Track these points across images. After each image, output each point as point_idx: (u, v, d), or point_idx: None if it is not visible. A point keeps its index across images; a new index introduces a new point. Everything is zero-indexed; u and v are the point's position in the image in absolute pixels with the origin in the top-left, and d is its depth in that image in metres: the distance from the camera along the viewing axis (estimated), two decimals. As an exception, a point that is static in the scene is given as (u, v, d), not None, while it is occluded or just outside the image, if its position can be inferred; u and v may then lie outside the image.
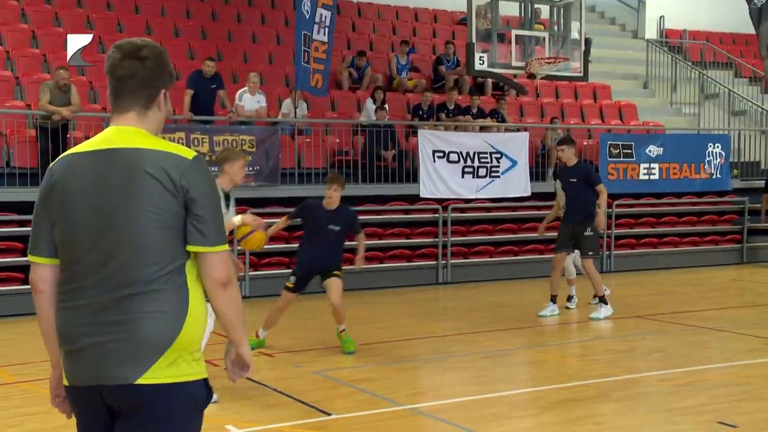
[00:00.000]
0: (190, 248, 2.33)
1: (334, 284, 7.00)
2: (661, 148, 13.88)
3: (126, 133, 2.37)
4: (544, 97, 15.69)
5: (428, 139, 12.13)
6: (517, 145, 12.71)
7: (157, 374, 2.25)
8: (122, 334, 2.26)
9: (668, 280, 12.27)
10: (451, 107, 13.45)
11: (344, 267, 7.38)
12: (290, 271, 7.37)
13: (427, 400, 5.85)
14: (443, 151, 12.17)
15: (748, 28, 16.71)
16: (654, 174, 13.81)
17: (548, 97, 15.79)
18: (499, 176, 12.51)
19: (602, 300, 8.92)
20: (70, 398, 2.41)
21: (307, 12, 11.66)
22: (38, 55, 12.29)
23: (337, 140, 12.32)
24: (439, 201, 12.08)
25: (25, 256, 2.52)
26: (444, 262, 11.93)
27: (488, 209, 12.59)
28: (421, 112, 13.06)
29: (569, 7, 12.32)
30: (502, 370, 6.88)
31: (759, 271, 13.28)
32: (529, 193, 12.64)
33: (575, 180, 8.75)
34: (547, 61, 11.79)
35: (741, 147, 15.48)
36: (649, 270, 13.17)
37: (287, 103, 12.26)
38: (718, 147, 14.35)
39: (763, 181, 14.57)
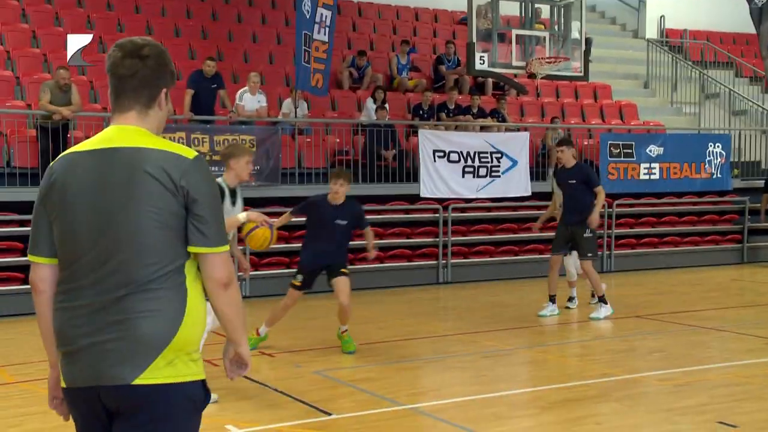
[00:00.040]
0: (191, 249, 2.32)
1: (343, 283, 6.97)
2: (662, 148, 13.88)
3: (127, 132, 2.36)
4: (544, 96, 15.69)
5: (429, 139, 12.13)
6: (517, 144, 12.71)
7: (155, 375, 2.24)
8: (120, 333, 2.25)
9: (668, 279, 12.27)
10: (452, 107, 13.45)
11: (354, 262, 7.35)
12: (295, 269, 7.32)
13: (427, 399, 5.85)
14: (444, 151, 12.17)
15: (749, 28, 16.70)
16: (654, 174, 13.81)
17: (549, 96, 15.79)
18: (499, 176, 12.51)
19: (602, 300, 8.92)
20: (68, 400, 2.40)
21: (308, 12, 11.66)
22: (39, 54, 12.30)
23: (338, 140, 12.32)
24: (440, 201, 12.08)
25: (26, 256, 2.51)
26: (444, 261, 11.93)
27: (489, 209, 12.59)
28: (421, 112, 13.06)
29: (570, 7, 12.32)
30: (502, 370, 6.88)
31: (759, 271, 13.28)
32: (529, 193, 12.64)
33: (574, 181, 8.75)
34: (547, 60, 11.80)
35: (741, 147, 15.47)
36: (649, 270, 13.17)
37: (288, 103, 12.26)
38: (718, 147, 14.35)
39: (763, 181, 14.56)
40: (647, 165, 13.74)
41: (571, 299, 9.55)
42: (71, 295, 2.32)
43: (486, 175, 12.45)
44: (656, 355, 7.28)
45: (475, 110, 13.46)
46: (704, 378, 6.40)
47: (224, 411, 5.39)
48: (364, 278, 10.56)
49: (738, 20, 18.36)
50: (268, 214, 9.26)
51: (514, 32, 12.05)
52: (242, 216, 5.62)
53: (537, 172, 12.98)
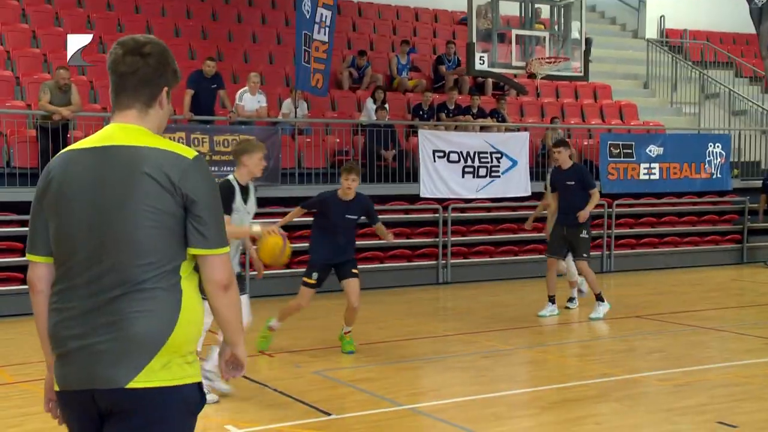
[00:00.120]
0: (191, 250, 2.30)
1: (354, 285, 6.97)
2: (662, 148, 13.88)
3: (126, 131, 2.34)
4: (544, 96, 15.69)
5: (428, 139, 12.13)
6: (517, 144, 12.71)
7: (150, 377, 2.21)
8: (114, 334, 2.21)
9: (668, 280, 12.27)
10: (452, 107, 13.46)
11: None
12: (304, 268, 7.26)
13: (427, 400, 5.85)
14: (443, 151, 12.17)
15: (749, 28, 16.70)
16: (654, 174, 13.81)
17: (548, 96, 15.79)
18: (499, 176, 12.52)
19: (599, 298, 8.91)
20: (61, 403, 2.37)
21: (308, 12, 11.67)
22: (38, 54, 12.30)
23: (338, 140, 12.32)
24: (440, 201, 12.09)
25: (25, 256, 2.51)
26: (444, 261, 11.93)
27: (488, 209, 12.60)
28: (421, 112, 13.06)
29: (569, 7, 12.32)
30: (502, 370, 6.88)
31: (759, 271, 13.28)
32: (529, 193, 12.64)
33: (572, 183, 8.74)
34: (547, 60, 11.80)
35: (741, 147, 15.47)
36: (649, 270, 13.17)
37: (287, 103, 12.26)
38: (718, 147, 14.35)
39: (761, 181, 14.55)
40: (647, 165, 13.74)
41: (571, 299, 9.55)
42: (65, 296, 2.29)
43: (486, 176, 12.45)
44: (656, 355, 7.28)
45: (474, 110, 13.46)
46: (704, 378, 6.40)
47: (224, 411, 5.39)
48: (364, 278, 10.43)
49: (738, 20, 18.37)
50: (268, 215, 9.31)
51: (514, 32, 12.05)
52: (256, 228, 5.46)
53: (537, 172, 12.98)
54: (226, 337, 2.50)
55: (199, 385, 2.35)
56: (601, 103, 15.96)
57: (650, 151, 13.78)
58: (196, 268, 2.35)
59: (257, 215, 6.13)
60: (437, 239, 11.93)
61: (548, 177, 9.63)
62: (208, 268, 2.32)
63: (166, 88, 2.41)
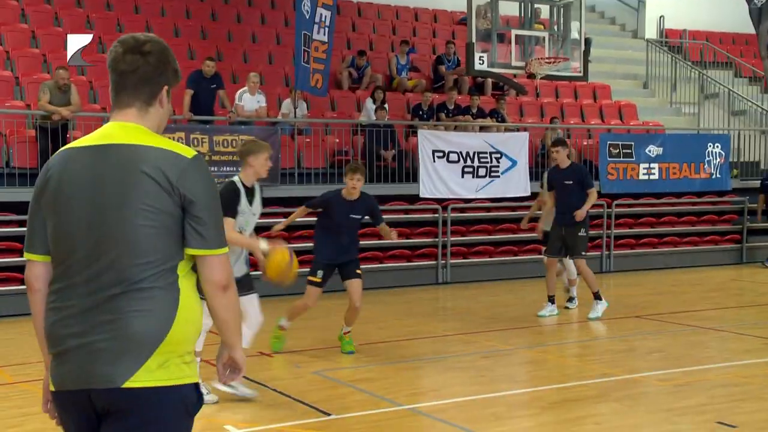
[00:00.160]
0: (189, 251, 2.28)
1: (357, 285, 6.97)
2: (661, 148, 13.88)
3: (126, 130, 2.32)
4: (543, 96, 15.69)
5: (428, 139, 12.13)
6: (516, 144, 12.71)
7: (147, 377, 2.20)
8: (111, 333, 2.20)
9: (668, 280, 12.27)
10: (451, 107, 13.46)
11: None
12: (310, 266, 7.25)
13: (426, 400, 5.85)
14: (443, 151, 12.17)
15: (748, 28, 16.72)
16: (654, 174, 13.82)
17: (548, 96, 15.79)
18: (498, 176, 12.52)
19: (597, 297, 8.90)
20: (57, 404, 2.34)
21: (307, 12, 11.67)
22: (38, 55, 12.30)
23: (337, 140, 12.32)
24: (439, 201, 12.09)
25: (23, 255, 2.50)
26: (444, 262, 11.94)
27: (488, 209, 12.60)
28: (421, 112, 13.07)
29: (569, 7, 12.32)
30: (502, 370, 6.88)
31: (758, 271, 13.28)
32: (528, 193, 12.64)
33: (570, 182, 8.74)
34: (546, 60, 11.80)
35: (741, 147, 15.48)
36: (648, 270, 13.18)
37: (287, 103, 12.26)
38: (717, 147, 14.36)
39: (760, 181, 14.55)
40: (646, 165, 13.74)
41: (570, 299, 9.56)
42: (63, 295, 2.28)
43: (485, 176, 12.45)
44: (656, 355, 7.28)
45: (474, 110, 13.47)
46: (704, 378, 6.40)
47: (223, 411, 5.39)
48: (363, 278, 10.53)
49: (737, 20, 18.38)
50: (267, 215, 9.30)
51: (514, 32, 12.05)
52: (264, 246, 5.34)
53: (536, 173, 12.98)
54: (224, 339, 2.47)
55: (197, 385, 2.34)
56: (601, 103, 15.97)
57: (650, 151, 13.78)
58: (194, 268, 2.34)
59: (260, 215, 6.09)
60: (437, 239, 11.93)
61: (544, 176, 9.65)
62: (207, 269, 2.30)
63: (166, 87, 2.39)
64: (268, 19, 15.27)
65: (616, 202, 13.26)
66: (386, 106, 12.67)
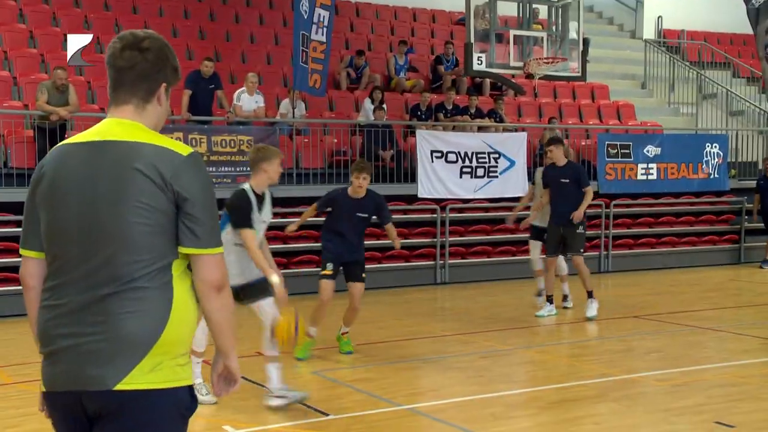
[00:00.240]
0: (183, 250, 2.24)
1: (359, 288, 6.96)
2: (659, 148, 13.89)
3: (122, 126, 2.30)
4: (542, 97, 15.70)
5: (426, 140, 12.13)
6: (515, 145, 12.71)
7: (139, 379, 2.16)
8: (104, 334, 2.17)
9: (666, 280, 12.28)
10: (450, 107, 13.46)
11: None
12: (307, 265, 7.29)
13: (425, 400, 5.85)
14: (441, 151, 12.18)
15: (746, 29, 16.72)
16: (652, 174, 13.83)
17: (546, 97, 15.80)
18: (497, 176, 12.52)
19: (590, 295, 8.90)
20: (48, 404, 2.31)
21: (306, 12, 11.66)
22: (36, 55, 12.29)
23: (335, 140, 12.31)
24: (438, 201, 12.09)
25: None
26: (442, 262, 11.94)
27: (486, 209, 12.59)
28: (419, 113, 13.07)
29: (567, 7, 12.32)
30: (500, 370, 6.88)
31: (756, 272, 13.30)
32: (527, 193, 12.62)
33: (567, 180, 8.74)
34: (545, 61, 11.80)
35: (739, 147, 15.48)
36: (646, 270, 13.19)
37: (285, 103, 12.26)
38: (715, 147, 14.36)
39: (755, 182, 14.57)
40: (645, 165, 13.75)
41: (565, 297, 9.53)
42: (56, 293, 2.25)
43: (484, 176, 12.45)
44: (654, 355, 7.29)
45: (472, 111, 13.47)
46: (702, 378, 6.41)
47: (222, 411, 5.38)
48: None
49: (735, 21, 18.39)
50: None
51: (512, 32, 12.05)
52: (275, 279, 5.28)
53: (535, 173, 12.98)
54: (218, 344, 2.39)
55: (191, 388, 2.29)
56: (599, 103, 15.98)
57: (648, 151, 13.79)
58: (190, 268, 2.30)
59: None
60: (435, 239, 11.93)
61: (536, 173, 9.64)
62: (200, 268, 2.25)
63: (164, 85, 2.36)
64: (266, 20, 15.26)
65: (614, 202, 13.27)
66: (384, 106, 12.67)
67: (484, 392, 6.00)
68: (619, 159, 13.53)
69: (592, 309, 8.86)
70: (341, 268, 7.00)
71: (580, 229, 8.79)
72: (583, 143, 14.09)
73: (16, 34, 12.55)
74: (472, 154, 12.37)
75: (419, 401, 5.81)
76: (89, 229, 2.22)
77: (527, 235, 9.93)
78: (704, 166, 14.25)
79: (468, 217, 12.43)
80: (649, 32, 19.54)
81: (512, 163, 12.60)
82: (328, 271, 6.86)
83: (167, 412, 2.22)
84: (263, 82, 12.70)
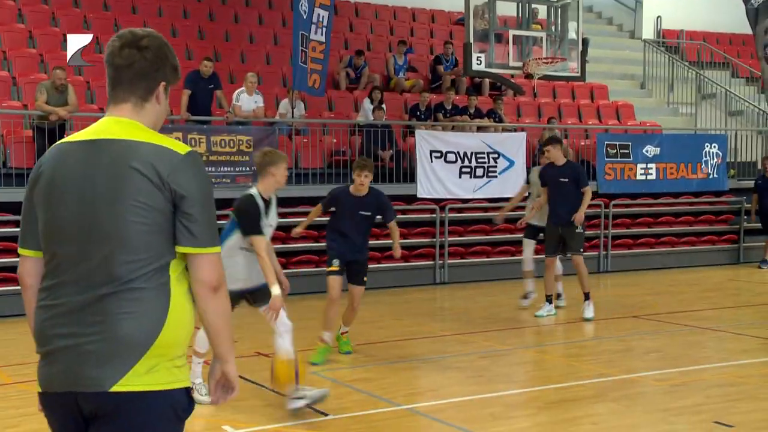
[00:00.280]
0: (180, 249, 2.23)
1: (360, 291, 6.96)
2: (658, 148, 13.90)
3: (120, 125, 2.29)
4: (541, 97, 15.70)
5: (425, 140, 12.14)
6: (514, 145, 12.72)
7: (134, 381, 2.16)
8: (100, 334, 2.16)
9: (665, 279, 12.29)
10: (449, 107, 13.46)
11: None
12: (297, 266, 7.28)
13: (424, 400, 5.86)
14: (440, 151, 12.18)
15: (745, 29, 16.73)
16: (651, 174, 13.83)
17: (545, 97, 15.80)
18: (496, 176, 12.52)
19: (587, 297, 8.88)
20: (44, 404, 2.29)
21: (305, 12, 11.66)
22: (35, 55, 12.29)
23: (335, 140, 12.32)
24: (437, 201, 12.09)
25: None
26: (441, 262, 11.94)
27: (485, 209, 12.59)
28: (418, 113, 13.07)
29: (566, 7, 12.33)
30: (499, 370, 6.89)
31: (755, 271, 13.31)
32: (526, 193, 12.63)
33: (566, 180, 8.73)
34: (544, 61, 11.81)
35: (738, 147, 15.49)
36: (646, 270, 13.19)
37: (284, 103, 12.27)
38: (714, 147, 14.37)
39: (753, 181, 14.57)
40: (644, 165, 13.76)
41: (558, 296, 9.52)
42: (53, 292, 2.24)
43: (483, 176, 12.46)
44: (653, 355, 7.29)
45: (472, 111, 13.47)
46: (700, 378, 6.41)
47: (221, 412, 5.38)
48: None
49: (734, 21, 18.40)
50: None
51: (511, 33, 12.06)
52: (276, 291, 5.25)
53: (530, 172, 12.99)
54: (215, 348, 2.35)
55: (188, 390, 2.28)
56: (598, 103, 15.99)
57: (647, 151, 13.80)
58: (188, 269, 2.29)
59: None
60: (434, 239, 11.94)
61: (532, 172, 9.64)
62: (196, 268, 2.23)
63: (163, 83, 2.34)
64: (265, 20, 15.27)
65: (613, 202, 13.27)
66: (384, 106, 12.68)
67: (483, 392, 6.01)
68: (619, 159, 13.54)
69: (589, 311, 8.85)
70: (346, 267, 6.94)
71: (579, 229, 8.80)
72: (583, 143, 14.09)
73: (16, 34, 12.54)
74: (472, 154, 12.37)
75: (418, 401, 5.81)
76: (87, 228, 2.21)
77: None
78: (703, 166, 14.26)
79: (467, 217, 12.44)
80: (648, 32, 19.55)
81: (511, 163, 12.61)
82: (335, 267, 6.80)
83: (163, 414, 2.20)
84: (262, 82, 12.71)
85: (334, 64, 13.91)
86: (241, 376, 6.23)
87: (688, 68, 17.88)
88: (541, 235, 9.26)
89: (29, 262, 2.36)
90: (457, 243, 12.16)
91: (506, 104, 14.44)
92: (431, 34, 16.90)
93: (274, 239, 10.13)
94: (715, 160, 14.34)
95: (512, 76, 12.68)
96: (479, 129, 13.28)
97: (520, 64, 11.92)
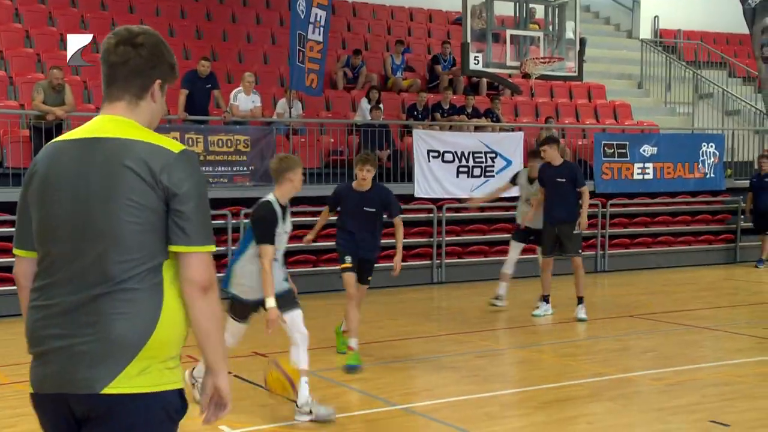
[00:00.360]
0: (171, 248, 2.19)
1: (362, 291, 6.94)
2: (656, 148, 13.92)
3: (115, 123, 2.26)
4: (538, 96, 15.72)
5: (423, 139, 12.15)
6: (511, 144, 12.74)
7: (125, 383, 2.14)
8: (93, 335, 2.14)
9: (662, 279, 12.31)
10: (446, 107, 13.47)
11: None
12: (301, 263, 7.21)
13: (420, 399, 5.87)
14: (438, 151, 12.20)
15: (742, 28, 16.75)
16: (648, 173, 13.86)
17: (543, 96, 15.82)
18: (493, 176, 12.53)
19: (580, 301, 8.86)
20: (36, 406, 2.27)
21: (302, 12, 11.66)
22: (32, 54, 12.28)
23: (332, 140, 12.32)
24: (434, 201, 12.10)
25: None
26: (438, 261, 11.95)
27: (483, 209, 12.60)
28: (416, 112, 13.08)
29: (564, 7, 12.35)
30: (495, 370, 6.90)
31: (752, 271, 13.33)
32: (507, 193, 12.62)
33: (563, 180, 8.73)
34: (541, 60, 11.82)
35: (734, 146, 15.53)
36: (642, 269, 13.21)
37: (282, 103, 12.27)
38: (711, 147, 14.40)
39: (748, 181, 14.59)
40: (641, 165, 13.78)
41: (497, 297, 9.48)
42: (45, 292, 2.22)
43: (480, 175, 12.47)
44: (649, 354, 7.31)
45: (469, 110, 13.49)
46: (696, 377, 6.43)
47: (218, 411, 5.38)
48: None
49: (731, 21, 18.43)
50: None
51: (509, 32, 12.07)
52: (271, 304, 5.19)
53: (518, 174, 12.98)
54: (206, 358, 2.28)
55: (180, 391, 2.26)
56: (596, 103, 16.00)
57: (644, 150, 13.82)
58: None
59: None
60: (432, 239, 11.95)
61: (520, 174, 9.60)
62: (186, 267, 2.19)
63: (159, 81, 2.31)
64: (263, 19, 15.27)
65: (610, 201, 13.29)
66: (381, 105, 12.69)
67: (479, 392, 6.02)
68: (616, 159, 13.56)
69: (582, 312, 8.81)
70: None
71: (577, 230, 8.80)
72: (580, 143, 14.11)
73: (12, 33, 12.53)
74: (469, 153, 12.39)
75: (414, 401, 5.82)
76: (82, 226, 2.19)
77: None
78: (700, 165, 14.29)
79: (464, 216, 12.45)
80: (645, 32, 19.57)
81: (509, 162, 12.62)
82: (348, 264, 6.66)
83: (155, 416, 2.19)
84: (260, 82, 12.70)
85: (332, 64, 13.92)
86: (238, 376, 6.29)
87: (686, 68, 17.90)
88: (532, 238, 9.27)
89: (25, 263, 2.36)
90: (454, 243, 12.18)
91: (504, 104, 14.45)
92: (429, 33, 16.90)
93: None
94: (712, 159, 14.37)
95: (510, 75, 12.70)
96: (477, 129, 13.29)
97: (517, 63, 11.94)
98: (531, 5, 12.68)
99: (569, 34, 12.47)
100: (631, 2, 19.76)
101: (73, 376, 2.16)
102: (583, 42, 13.94)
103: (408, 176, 12.19)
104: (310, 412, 5.22)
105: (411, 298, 10.61)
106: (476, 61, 11.77)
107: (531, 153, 9.75)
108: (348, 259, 6.68)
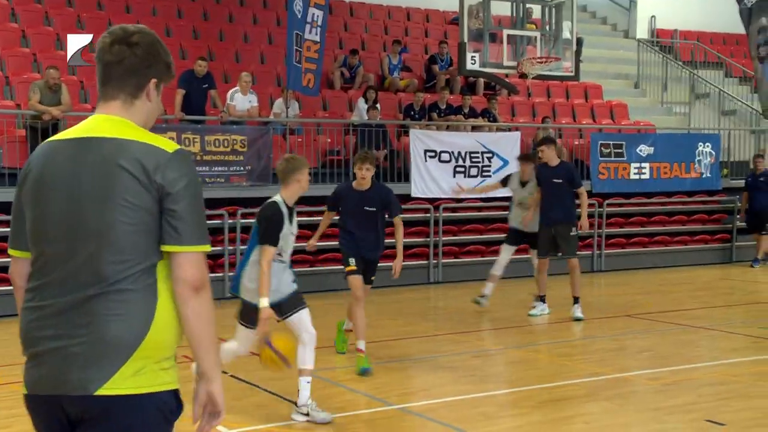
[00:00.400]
0: (164, 248, 2.18)
1: (366, 291, 6.89)
2: (652, 148, 13.94)
3: (109, 123, 2.25)
4: (535, 96, 15.73)
5: (420, 139, 12.16)
6: (508, 144, 12.75)
7: (120, 384, 2.13)
8: (87, 336, 2.13)
9: (658, 279, 12.33)
10: (443, 107, 13.48)
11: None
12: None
13: (417, 399, 5.87)
14: (435, 151, 12.20)
15: (739, 28, 16.79)
16: (644, 173, 13.88)
17: (540, 96, 15.83)
18: (490, 176, 12.54)
19: (576, 301, 8.87)
20: (29, 407, 2.25)
21: (299, 11, 11.67)
22: (28, 54, 12.26)
23: (329, 140, 12.32)
24: (431, 200, 12.11)
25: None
26: (435, 261, 11.96)
27: (479, 209, 12.62)
28: (412, 112, 13.08)
29: (561, 7, 12.36)
30: (492, 370, 6.91)
31: (748, 270, 13.36)
32: (498, 193, 12.63)
33: (560, 180, 8.73)
34: (538, 60, 11.83)
35: (731, 146, 15.56)
36: (639, 269, 13.23)
37: (279, 103, 12.26)
38: (708, 146, 14.43)
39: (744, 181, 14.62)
40: (637, 165, 13.80)
41: (482, 296, 9.47)
42: (39, 293, 2.21)
43: (477, 175, 12.48)
44: (645, 354, 7.32)
45: (466, 110, 13.49)
46: (692, 377, 6.44)
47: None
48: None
49: (728, 20, 18.46)
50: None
51: (506, 32, 12.08)
52: (264, 304, 5.13)
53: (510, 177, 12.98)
54: (198, 362, 2.25)
55: (176, 392, 2.23)
56: (592, 102, 16.02)
57: (641, 150, 13.84)
58: None
59: (248, 214, 6.05)
60: (428, 239, 11.95)
61: (512, 178, 9.53)
62: (178, 266, 2.16)
63: (154, 80, 2.30)
64: (260, 19, 15.26)
65: (607, 201, 13.31)
66: (378, 105, 12.69)
67: (475, 391, 6.02)
68: (612, 158, 13.58)
69: (579, 312, 8.83)
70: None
71: (573, 231, 8.80)
72: (577, 143, 14.12)
73: (9, 33, 12.51)
74: (466, 153, 12.40)
75: (411, 401, 5.83)
76: (75, 226, 2.18)
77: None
78: (696, 165, 14.31)
79: (461, 216, 12.46)
80: (642, 32, 19.60)
81: (505, 162, 12.63)
82: (352, 267, 6.60)
83: (150, 417, 2.18)
84: (257, 82, 12.69)
85: (329, 64, 13.92)
86: (234, 376, 6.28)
87: (682, 68, 17.93)
88: (525, 240, 9.27)
89: (20, 263, 2.34)
90: (451, 242, 12.18)
91: (500, 104, 14.46)
92: (426, 33, 16.91)
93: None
94: (709, 159, 14.40)
95: (506, 75, 12.71)
96: (473, 128, 13.30)
97: (514, 63, 11.95)
98: (528, 5, 12.69)
99: (566, 34, 12.48)
100: (628, 2, 19.78)
101: (66, 378, 2.15)
102: (579, 42, 13.94)
103: (405, 176, 12.20)
104: (307, 414, 5.20)
105: (408, 298, 10.62)
106: (473, 61, 11.78)
107: (521, 157, 9.71)
108: (352, 261, 6.61)
